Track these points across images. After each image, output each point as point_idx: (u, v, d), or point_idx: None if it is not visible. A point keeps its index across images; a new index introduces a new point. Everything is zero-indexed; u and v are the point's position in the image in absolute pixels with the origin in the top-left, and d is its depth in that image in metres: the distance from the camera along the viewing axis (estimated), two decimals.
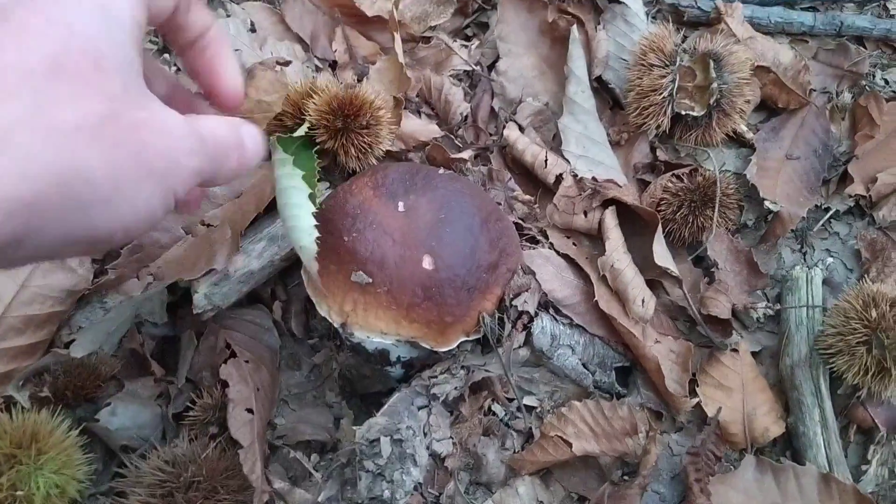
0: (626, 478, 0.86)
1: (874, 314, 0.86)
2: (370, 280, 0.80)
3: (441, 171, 0.93)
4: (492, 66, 1.12)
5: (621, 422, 0.86)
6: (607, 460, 0.87)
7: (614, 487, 0.85)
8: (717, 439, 0.89)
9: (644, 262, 0.97)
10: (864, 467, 0.91)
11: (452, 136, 1.06)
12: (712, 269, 0.99)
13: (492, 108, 1.10)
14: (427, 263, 0.81)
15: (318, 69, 1.06)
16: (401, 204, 0.85)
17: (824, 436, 0.90)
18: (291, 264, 0.95)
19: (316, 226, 0.73)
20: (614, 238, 0.97)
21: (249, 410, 0.85)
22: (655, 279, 0.98)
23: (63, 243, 0.40)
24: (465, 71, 1.11)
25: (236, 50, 1.07)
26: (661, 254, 0.96)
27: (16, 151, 0.35)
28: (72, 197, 0.38)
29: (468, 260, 0.84)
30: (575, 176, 1.01)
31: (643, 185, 1.05)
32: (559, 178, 1.01)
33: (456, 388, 0.89)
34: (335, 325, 0.83)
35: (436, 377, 0.89)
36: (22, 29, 0.38)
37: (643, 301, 0.94)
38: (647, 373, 0.93)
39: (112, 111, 0.40)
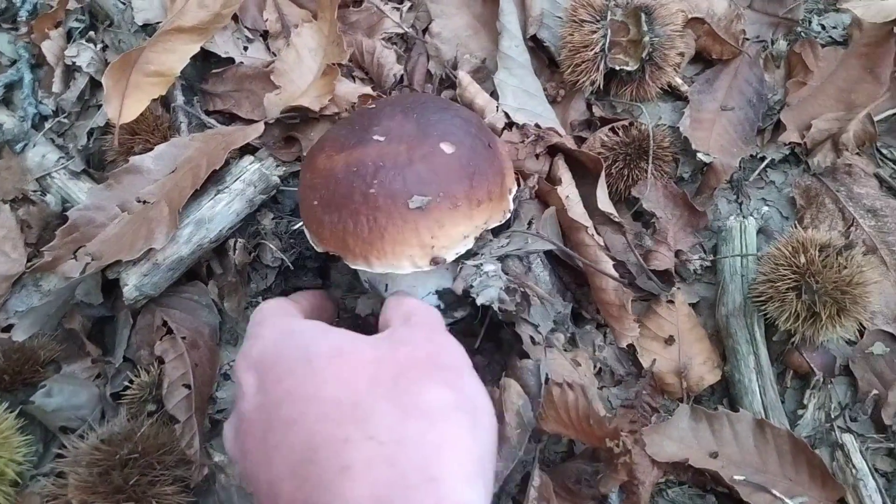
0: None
1: (803, 260, 0.87)
2: (428, 197, 0.76)
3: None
4: (426, 29, 1.11)
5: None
6: None
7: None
8: (652, 391, 0.91)
9: (588, 210, 0.97)
10: (800, 412, 0.92)
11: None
12: (652, 221, 0.99)
13: (427, 70, 1.08)
14: (447, 147, 0.78)
15: (248, 39, 1.05)
16: (375, 136, 0.79)
17: (759, 382, 0.91)
18: (220, 245, 0.94)
19: None
20: (566, 180, 0.97)
21: (187, 386, 0.85)
22: (598, 226, 0.97)
23: None
24: (398, 34, 1.10)
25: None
26: (604, 200, 0.96)
27: None
28: None
29: (474, 139, 0.81)
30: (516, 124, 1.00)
31: (580, 141, 1.04)
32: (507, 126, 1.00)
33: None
34: (426, 268, 0.77)
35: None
36: None
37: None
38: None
39: None
